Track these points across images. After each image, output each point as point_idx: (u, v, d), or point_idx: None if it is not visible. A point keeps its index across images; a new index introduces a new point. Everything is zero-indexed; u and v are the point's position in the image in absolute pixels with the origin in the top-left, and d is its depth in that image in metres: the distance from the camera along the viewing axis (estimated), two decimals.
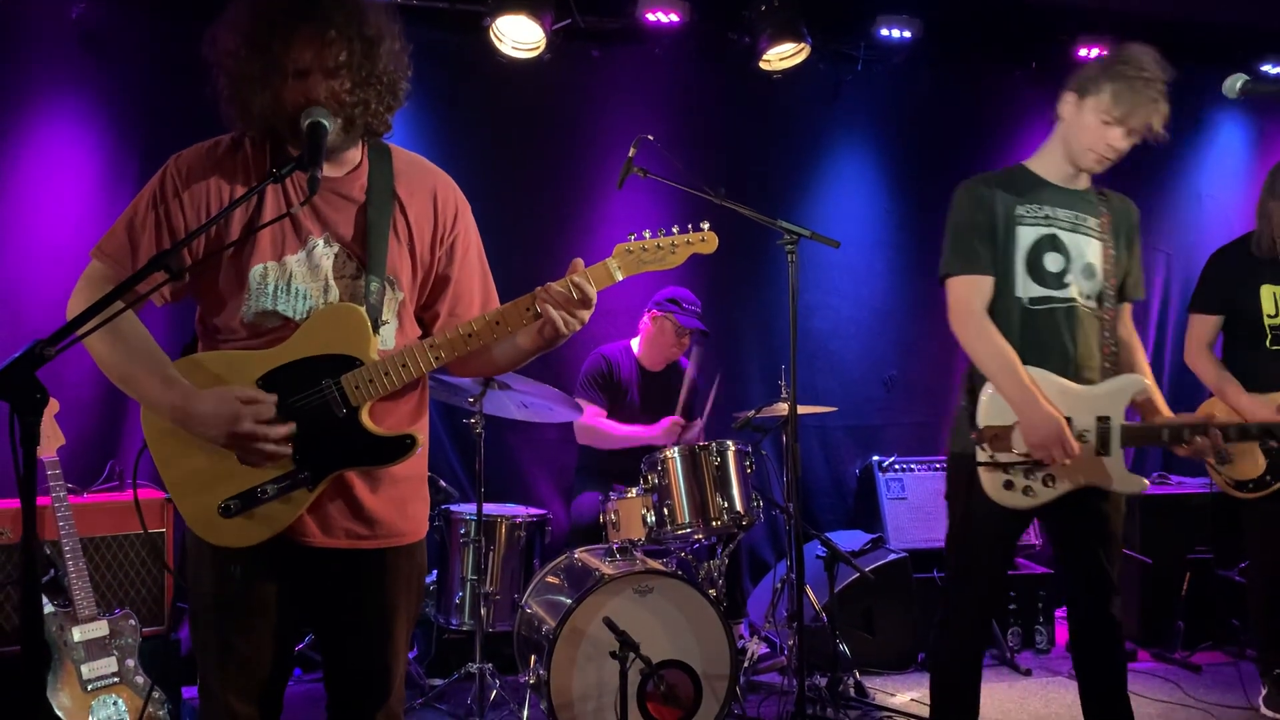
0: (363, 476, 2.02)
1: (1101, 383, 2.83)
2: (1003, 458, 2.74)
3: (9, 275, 4.22)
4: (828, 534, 4.18)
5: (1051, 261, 2.83)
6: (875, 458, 5.12)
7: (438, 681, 4.01)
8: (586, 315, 2.00)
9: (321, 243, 2.00)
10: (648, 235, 2.06)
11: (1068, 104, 2.85)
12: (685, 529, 3.75)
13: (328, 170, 1.99)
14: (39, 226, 4.27)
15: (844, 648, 4.01)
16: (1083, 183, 2.91)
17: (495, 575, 3.96)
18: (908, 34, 5.17)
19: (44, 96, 4.32)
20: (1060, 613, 4.57)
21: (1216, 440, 2.74)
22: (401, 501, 2.08)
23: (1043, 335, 2.81)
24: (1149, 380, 2.85)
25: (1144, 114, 2.76)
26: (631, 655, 3.07)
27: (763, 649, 4.30)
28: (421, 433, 2.06)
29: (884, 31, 5.17)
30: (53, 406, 3.29)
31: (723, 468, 3.80)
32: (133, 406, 4.23)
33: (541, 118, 5.06)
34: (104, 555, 3.60)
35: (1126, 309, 2.99)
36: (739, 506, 3.78)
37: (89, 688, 3.14)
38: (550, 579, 3.66)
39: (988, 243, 2.81)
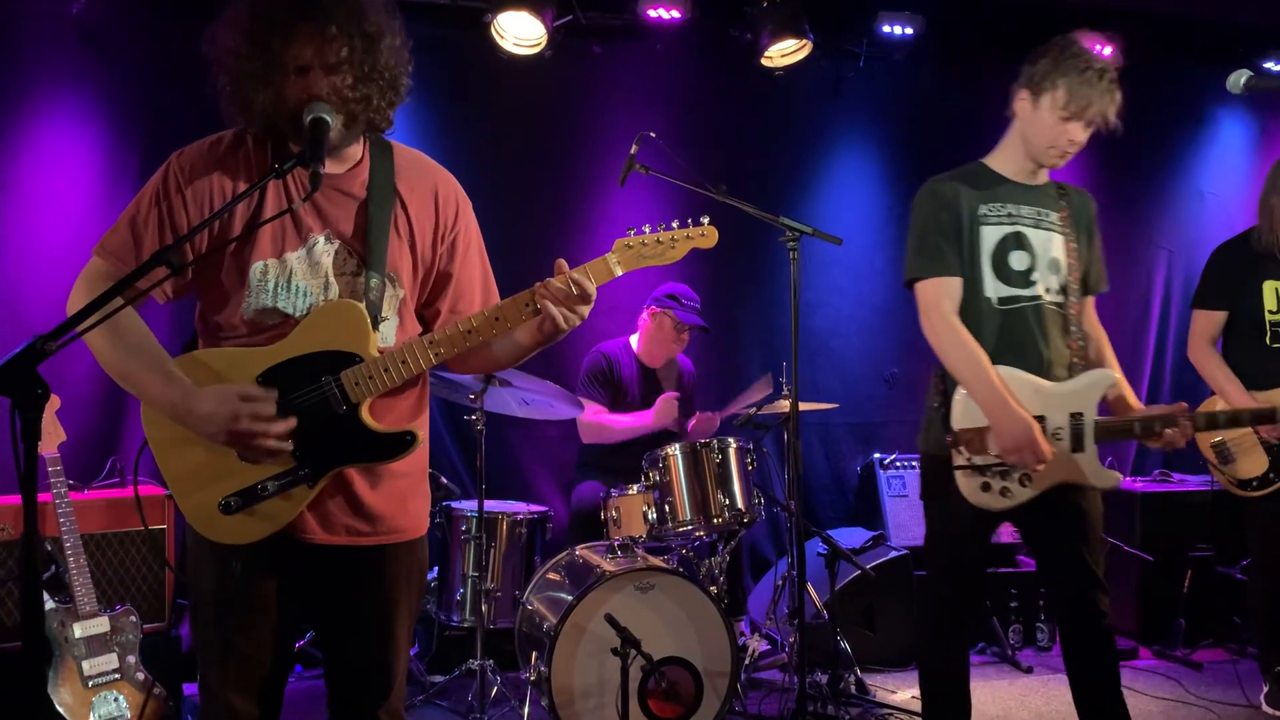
0: (363, 473, 2.01)
1: (1073, 379, 2.83)
2: (979, 460, 2.73)
3: (9, 273, 4.21)
4: (829, 531, 4.18)
5: (1017, 260, 2.83)
6: (876, 455, 5.12)
7: (439, 678, 4.01)
8: (586, 311, 2.00)
9: (322, 239, 1.99)
10: (647, 230, 2.05)
11: (1022, 102, 2.84)
12: (686, 526, 3.75)
13: (329, 167, 1.99)
14: (39, 224, 4.27)
15: (845, 645, 4.01)
16: (1042, 178, 2.92)
17: (496, 572, 3.96)
18: (909, 31, 5.17)
19: (44, 94, 4.31)
20: None
21: (1187, 431, 2.74)
22: (402, 498, 2.08)
23: (1015, 335, 2.80)
24: (1119, 374, 2.85)
25: (1100, 105, 2.75)
26: (633, 652, 3.07)
27: (764, 646, 4.30)
28: (422, 429, 2.06)
29: (886, 28, 5.17)
30: (54, 403, 3.29)
31: (724, 465, 3.80)
32: (133, 404, 4.22)
33: (543, 114, 5.06)
34: (105, 552, 3.60)
35: (1090, 302, 2.98)
36: (740, 503, 3.78)
37: (90, 684, 3.15)
38: (551, 576, 3.66)
39: (953, 243, 2.81)
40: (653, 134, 3.54)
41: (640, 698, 3.24)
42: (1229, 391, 3.71)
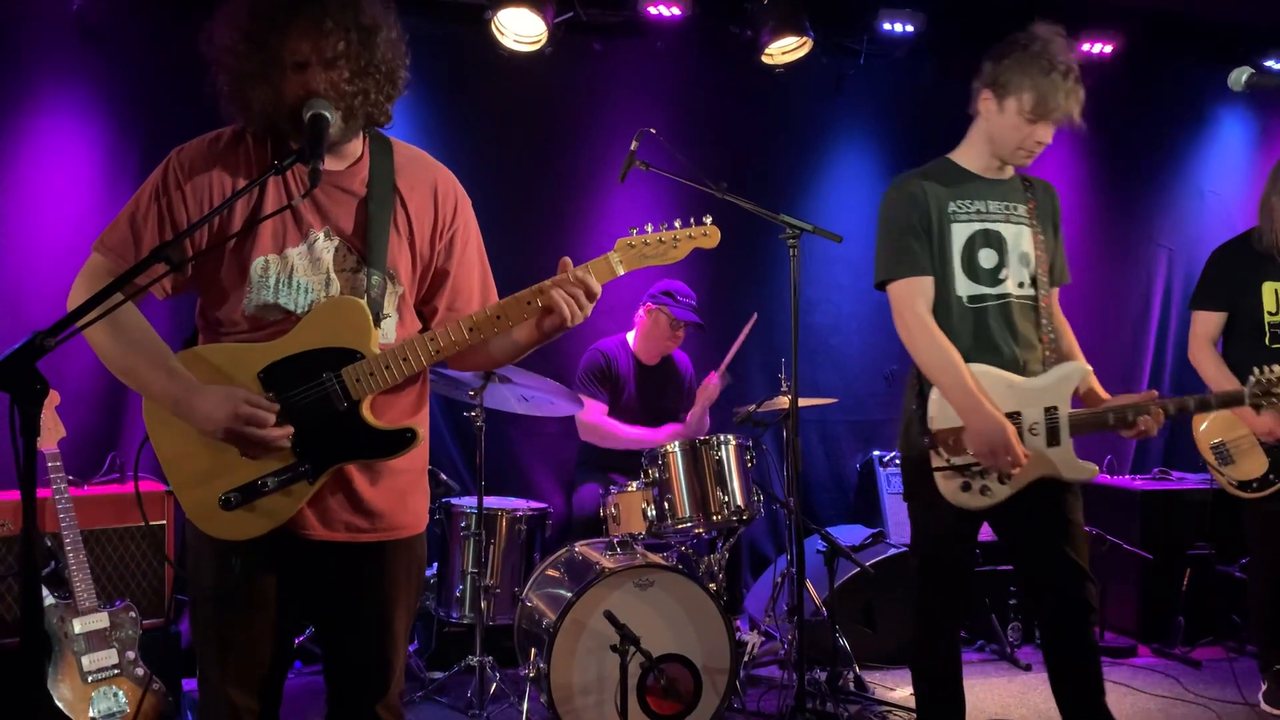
0: (363, 469, 2.02)
1: (1046, 373, 2.83)
2: (958, 460, 2.73)
3: (9, 270, 4.21)
4: (828, 528, 4.18)
5: (985, 258, 2.83)
6: (876, 452, 5.12)
7: (438, 674, 4.01)
8: (590, 307, 2.01)
9: (322, 236, 2.00)
10: (649, 229, 2.05)
11: (986, 102, 2.84)
12: (686, 523, 3.75)
13: (329, 164, 1.99)
14: (39, 221, 4.26)
15: (844, 642, 4.01)
16: (1008, 172, 2.93)
17: (495, 568, 3.96)
18: (910, 28, 5.16)
19: (44, 91, 4.30)
20: None
21: (1159, 418, 2.75)
22: (401, 494, 2.08)
23: (988, 333, 2.81)
24: (1086, 366, 2.86)
25: (1065, 106, 2.75)
26: (632, 649, 3.07)
27: (763, 643, 4.30)
28: (422, 426, 2.07)
29: (886, 25, 5.16)
30: (53, 399, 3.29)
31: (723, 462, 3.80)
32: (133, 399, 4.24)
33: (543, 111, 5.05)
34: (104, 547, 3.60)
35: (1055, 294, 2.98)
36: (739, 501, 3.78)
37: (89, 679, 3.15)
38: (550, 572, 3.66)
39: (924, 242, 2.81)
40: (653, 130, 3.53)
41: (639, 694, 3.24)
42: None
